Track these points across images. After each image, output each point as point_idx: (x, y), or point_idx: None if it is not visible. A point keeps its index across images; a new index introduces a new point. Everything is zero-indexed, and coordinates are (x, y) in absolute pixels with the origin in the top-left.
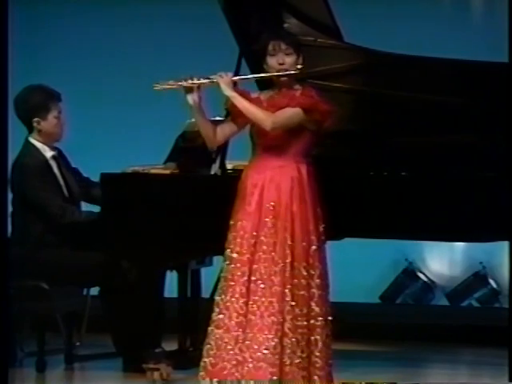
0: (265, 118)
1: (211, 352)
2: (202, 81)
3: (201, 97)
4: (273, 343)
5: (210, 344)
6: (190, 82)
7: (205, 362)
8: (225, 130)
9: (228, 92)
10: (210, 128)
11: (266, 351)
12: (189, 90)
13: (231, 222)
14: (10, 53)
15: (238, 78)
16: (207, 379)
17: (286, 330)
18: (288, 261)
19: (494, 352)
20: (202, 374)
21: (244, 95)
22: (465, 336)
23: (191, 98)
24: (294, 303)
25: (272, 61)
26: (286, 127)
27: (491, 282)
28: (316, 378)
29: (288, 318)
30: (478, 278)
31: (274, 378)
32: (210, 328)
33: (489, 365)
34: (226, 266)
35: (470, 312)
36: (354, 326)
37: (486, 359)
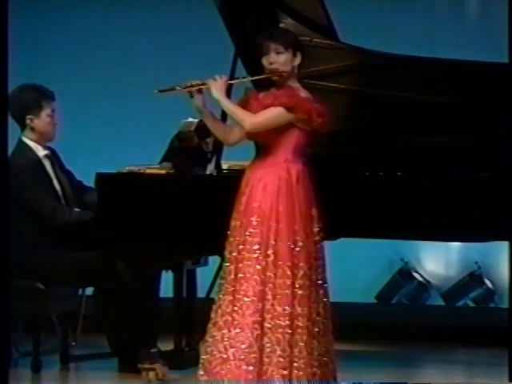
0: (244, 119)
1: (208, 349)
2: (196, 84)
3: (203, 100)
4: (249, 341)
5: (207, 342)
6: (188, 85)
7: (203, 359)
8: (240, 130)
9: (215, 94)
10: (221, 129)
11: (245, 350)
12: (191, 94)
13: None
14: (10, 52)
15: (231, 81)
16: (205, 377)
17: (266, 330)
18: (270, 260)
19: (490, 352)
20: (200, 372)
21: (255, 98)
22: (460, 336)
23: (194, 102)
24: (274, 302)
25: (264, 61)
26: (268, 127)
27: (486, 281)
28: (295, 378)
29: (268, 317)
30: (473, 278)
31: (250, 376)
32: (208, 326)
33: (484, 365)
34: (222, 265)
35: (466, 312)
36: (349, 326)
37: (482, 359)
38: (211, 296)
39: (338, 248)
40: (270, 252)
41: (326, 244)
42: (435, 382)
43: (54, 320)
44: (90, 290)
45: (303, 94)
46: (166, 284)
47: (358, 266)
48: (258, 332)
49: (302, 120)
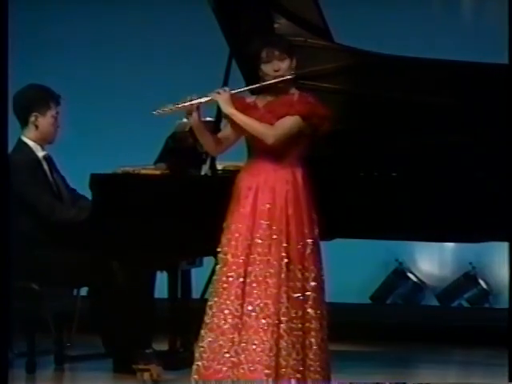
0: (266, 133)
1: (204, 355)
2: (200, 100)
3: (200, 116)
4: (268, 345)
5: (203, 347)
6: (188, 103)
7: (198, 365)
8: (228, 139)
9: (227, 110)
10: (211, 142)
11: (261, 353)
12: (188, 111)
13: (225, 225)
14: (10, 53)
15: (235, 91)
16: (200, 382)
17: (282, 332)
18: (284, 262)
19: (484, 352)
20: (195, 377)
21: (240, 102)
22: (455, 336)
23: (192, 119)
24: (288, 305)
25: (267, 68)
26: (286, 137)
27: (481, 282)
28: (310, 380)
29: (283, 319)
30: (467, 279)
31: (270, 379)
32: (202, 331)
33: (479, 365)
34: (219, 269)
35: (460, 312)
36: (344, 327)
37: (477, 359)
38: (206, 297)
39: (333, 248)
40: (283, 254)
41: (321, 244)
42: (430, 382)
43: (49, 320)
44: (84, 291)
45: (311, 99)
46: (161, 285)
47: (352, 267)
48: (276, 335)
49: (312, 125)
